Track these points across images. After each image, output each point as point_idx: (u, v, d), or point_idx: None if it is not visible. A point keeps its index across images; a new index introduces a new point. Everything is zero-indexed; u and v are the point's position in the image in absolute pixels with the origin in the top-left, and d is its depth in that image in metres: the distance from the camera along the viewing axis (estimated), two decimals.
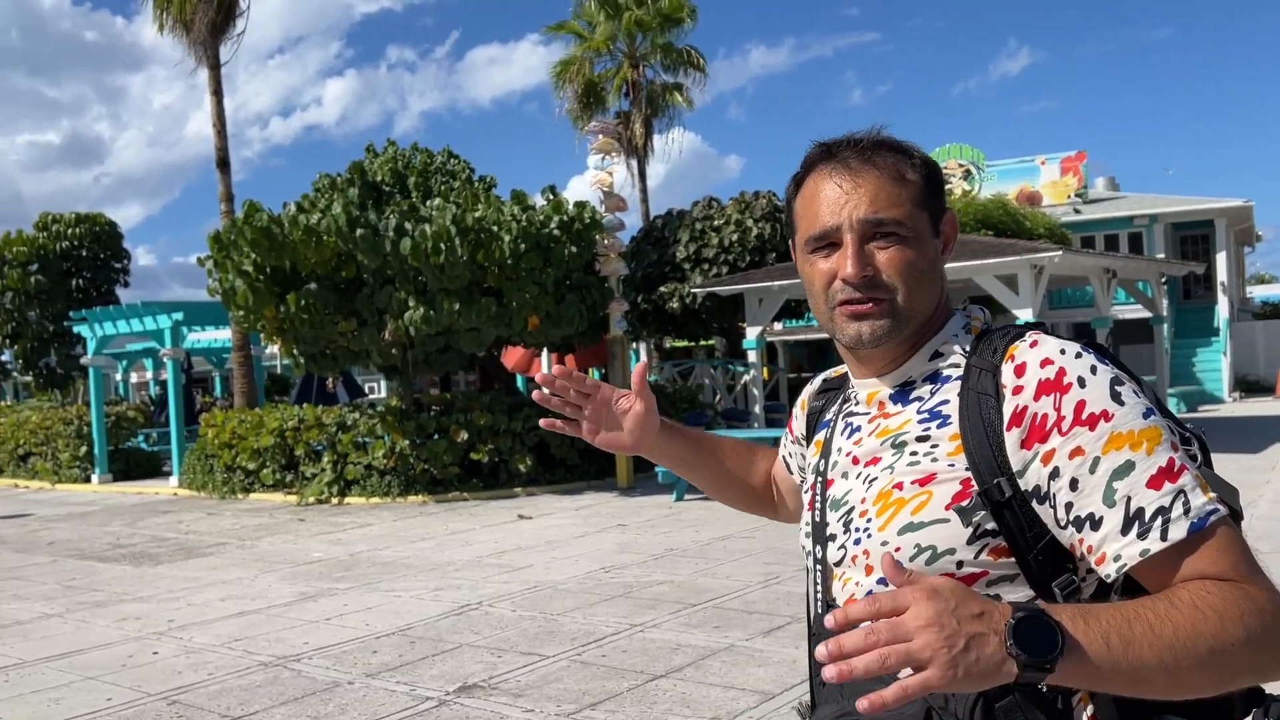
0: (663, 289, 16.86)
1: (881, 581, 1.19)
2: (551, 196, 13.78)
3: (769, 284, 15.45)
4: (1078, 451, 1.09)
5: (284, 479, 14.61)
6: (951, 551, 1.15)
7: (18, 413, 20.01)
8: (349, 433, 13.74)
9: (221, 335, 21.87)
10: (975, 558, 1.14)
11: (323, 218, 12.02)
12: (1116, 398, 1.11)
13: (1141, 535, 1.06)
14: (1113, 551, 1.07)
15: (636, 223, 23.21)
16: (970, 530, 1.14)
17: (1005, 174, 29.93)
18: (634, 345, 17.45)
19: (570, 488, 13.82)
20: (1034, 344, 1.17)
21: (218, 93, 17.33)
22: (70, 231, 23.87)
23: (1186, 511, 1.06)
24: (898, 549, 1.17)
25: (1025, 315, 13.89)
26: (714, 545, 9.14)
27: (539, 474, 13.80)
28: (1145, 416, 1.10)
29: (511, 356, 18.01)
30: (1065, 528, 1.11)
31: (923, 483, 1.17)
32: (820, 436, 1.43)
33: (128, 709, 5.20)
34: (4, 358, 34.81)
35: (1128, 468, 1.08)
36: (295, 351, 13.60)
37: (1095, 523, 1.08)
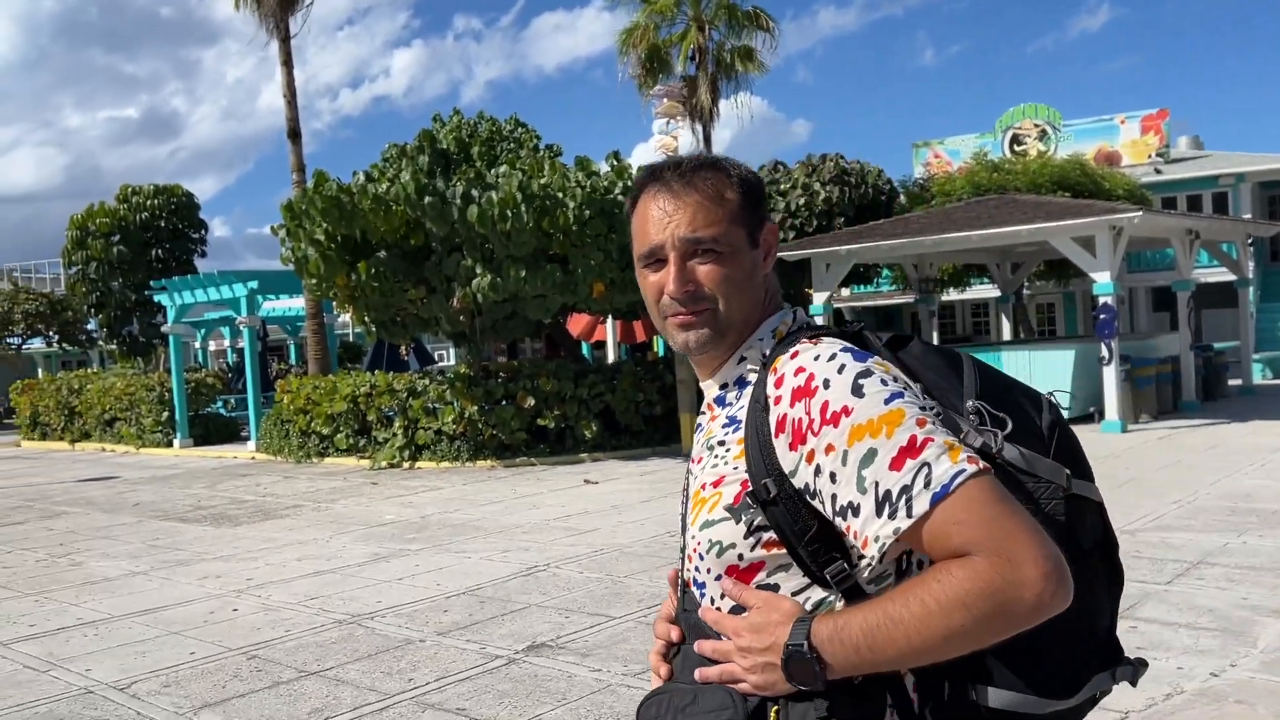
0: None
1: (698, 569, 1.35)
2: (615, 163, 13.74)
3: (837, 248, 15.25)
4: (830, 448, 1.19)
5: (357, 444, 14.92)
6: (733, 546, 1.28)
7: (103, 379, 20.70)
8: (419, 399, 13.95)
9: (295, 304, 22.35)
10: (751, 550, 1.27)
11: (391, 186, 12.15)
12: (858, 391, 1.19)
13: (891, 515, 1.14)
14: (871, 534, 1.16)
15: None
16: (744, 527, 1.26)
17: (1083, 134, 29.06)
18: None
19: (635, 454, 13.88)
20: (794, 354, 1.27)
21: (288, 64, 17.57)
22: (149, 203, 24.51)
23: (928, 484, 1.13)
24: (699, 543, 1.32)
25: (1103, 279, 13.52)
26: None
27: (604, 440, 13.87)
28: (887, 402, 1.18)
29: (577, 324, 18.08)
30: (835, 518, 1.20)
31: (716, 484, 1.30)
32: None
33: (209, 662, 5.37)
34: (90, 326, 36.00)
35: (871, 455, 1.16)
36: (366, 319, 13.82)
37: (855, 510, 1.17)
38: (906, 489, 1.14)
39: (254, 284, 17.39)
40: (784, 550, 1.25)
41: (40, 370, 36.68)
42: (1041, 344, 17.45)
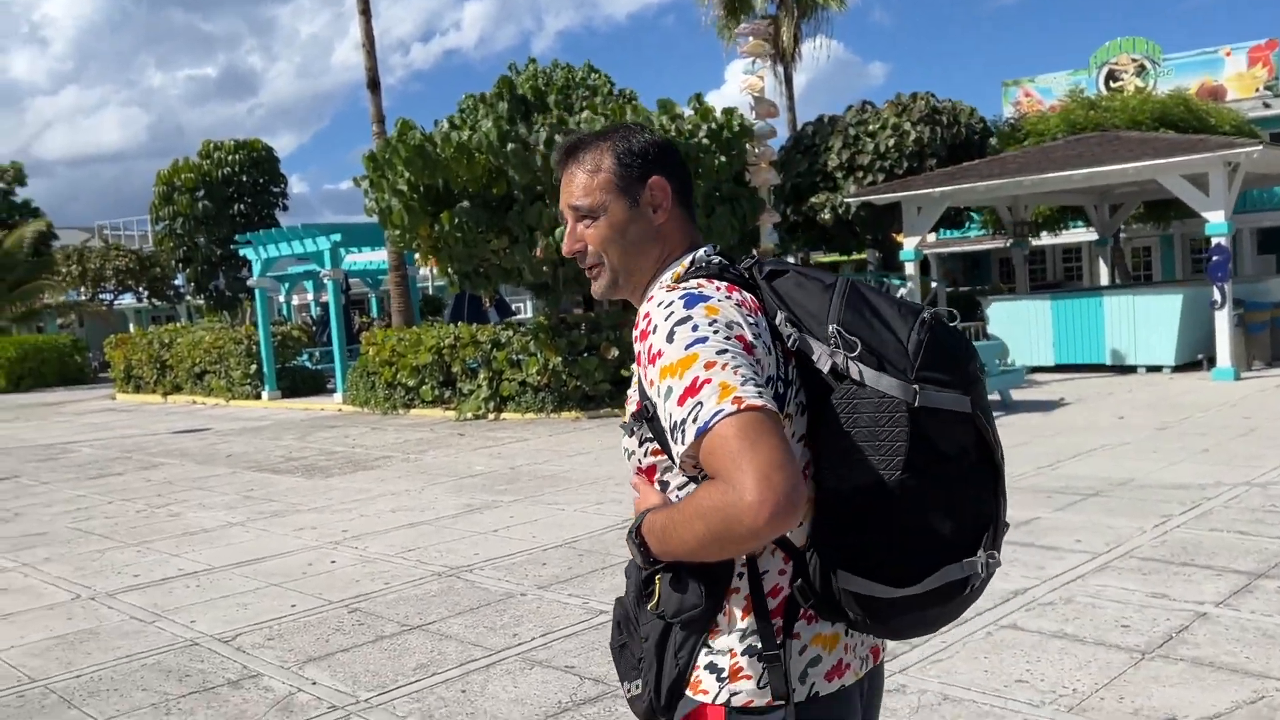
0: (814, 199, 16.26)
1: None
2: (698, 105, 13.33)
3: (929, 190, 14.68)
4: (652, 382, 1.43)
5: (442, 395, 14.93)
6: (633, 453, 1.55)
7: (192, 333, 21.10)
8: (503, 350, 13.86)
9: (376, 257, 22.46)
10: (645, 457, 1.53)
11: (474, 134, 11.96)
12: (669, 338, 1.39)
13: (679, 442, 1.37)
14: (674, 454, 1.41)
15: (783, 133, 22.45)
16: (637, 439, 1.53)
17: (1184, 68, 27.59)
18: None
19: None
20: (650, 298, 1.48)
21: (365, 12, 17.41)
22: (231, 158, 24.78)
23: (695, 419, 1.33)
24: (624, 449, 1.58)
25: (1217, 219, 12.78)
26: None
27: None
28: (687, 348, 1.37)
29: None
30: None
31: (627, 403, 1.57)
32: None
33: (311, 615, 5.31)
34: (177, 282, 36.85)
35: (669, 392, 1.39)
36: (450, 270, 13.73)
37: (670, 432, 1.40)
38: (683, 422, 1.35)
39: (337, 237, 17.44)
40: (664, 456, 1.49)
41: (131, 325, 37.75)
42: (1145, 289, 16.68)
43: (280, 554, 6.78)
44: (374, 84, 17.14)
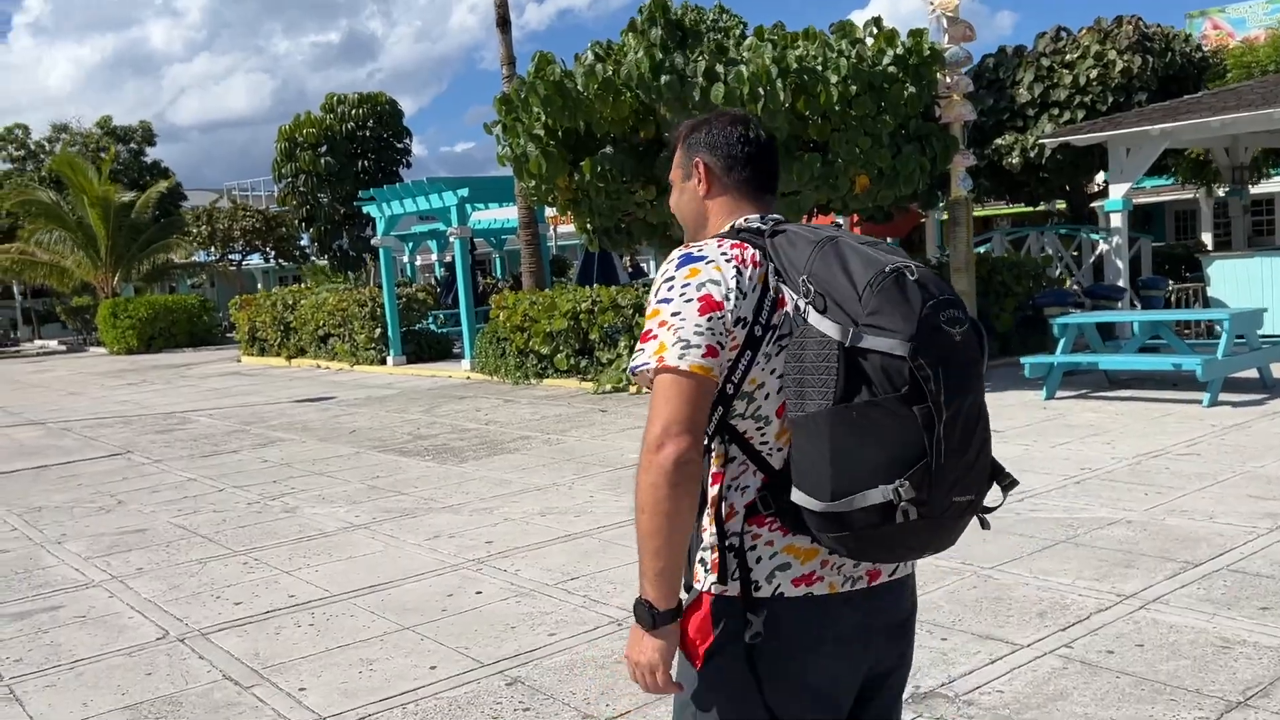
0: (999, 141, 14.15)
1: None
2: (877, 29, 11.43)
3: (1144, 128, 12.46)
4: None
5: (578, 364, 13.54)
6: None
7: (316, 295, 20.28)
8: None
9: (501, 215, 21.21)
10: None
11: (622, 65, 10.38)
12: (656, 292, 1.72)
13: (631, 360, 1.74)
14: None
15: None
16: None
17: None
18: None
19: None
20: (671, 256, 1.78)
21: None
22: (354, 112, 23.81)
23: (633, 360, 1.70)
24: None
25: None
26: (1145, 464, 6.95)
27: None
28: (660, 303, 1.69)
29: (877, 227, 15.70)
30: None
31: None
32: None
33: (458, 688, 3.90)
34: (302, 242, 36.55)
35: (642, 327, 1.75)
36: (589, 226, 12.26)
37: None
38: (635, 353, 1.70)
39: (464, 192, 16.18)
40: None
41: (260, 285, 37.76)
42: None
43: (413, 576, 5.43)
44: (504, 22, 15.72)
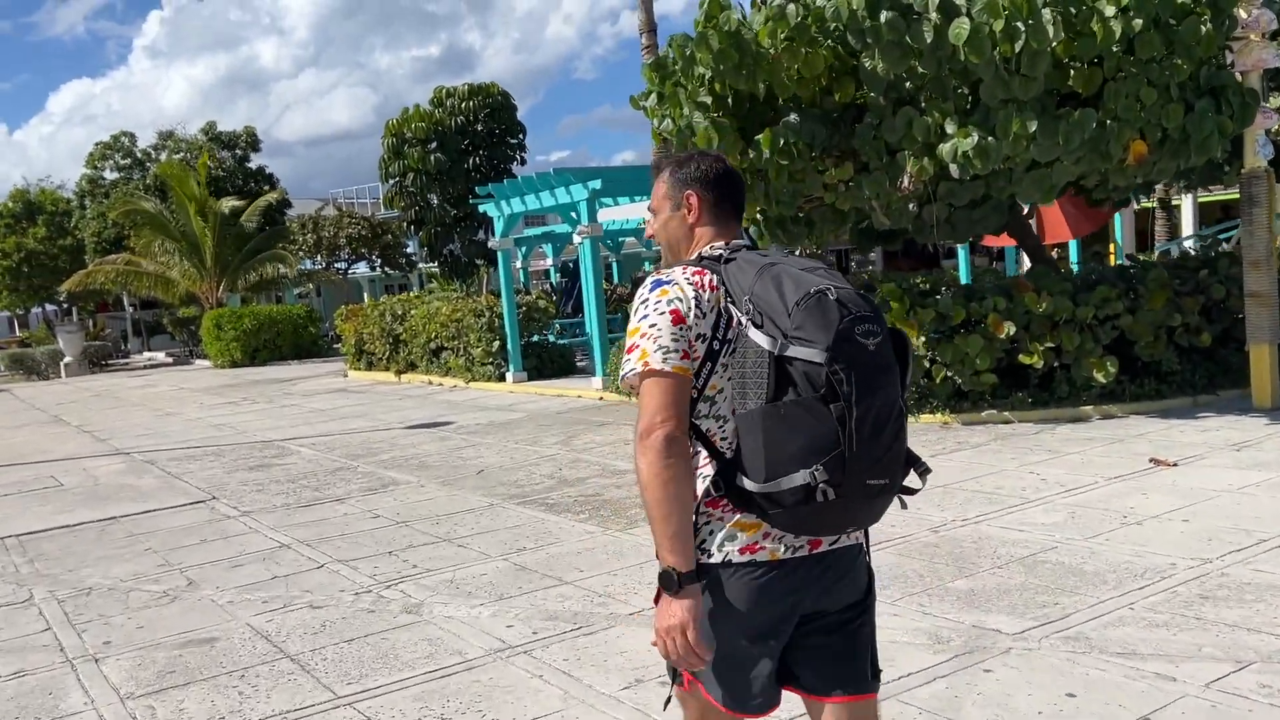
0: None
1: None
2: None
3: None
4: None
5: None
6: None
7: (427, 304, 18.46)
8: None
9: (621, 214, 19.10)
10: None
11: (819, 4, 8.08)
12: (636, 313, 2.07)
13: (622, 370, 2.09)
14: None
15: None
16: None
17: None
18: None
19: (1166, 405, 9.26)
20: (644, 280, 2.25)
21: None
22: (464, 105, 21.97)
23: (623, 368, 2.05)
24: None
25: None
26: None
27: (1119, 384, 9.34)
28: (638, 320, 2.05)
29: (1078, 214, 13.00)
30: None
31: None
32: None
33: None
34: (409, 249, 35.18)
35: (624, 344, 2.10)
36: (760, 213, 9.98)
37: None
38: (623, 364, 2.06)
39: (596, 184, 14.05)
40: None
41: (365, 295, 36.53)
42: None
43: None
44: None
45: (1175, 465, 7.05)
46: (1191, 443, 7.78)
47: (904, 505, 2.12)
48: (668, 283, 2.05)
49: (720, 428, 2.03)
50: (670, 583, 1.98)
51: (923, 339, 9.36)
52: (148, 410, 17.21)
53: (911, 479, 2.05)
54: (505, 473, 8.81)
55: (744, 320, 1.97)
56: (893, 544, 5.66)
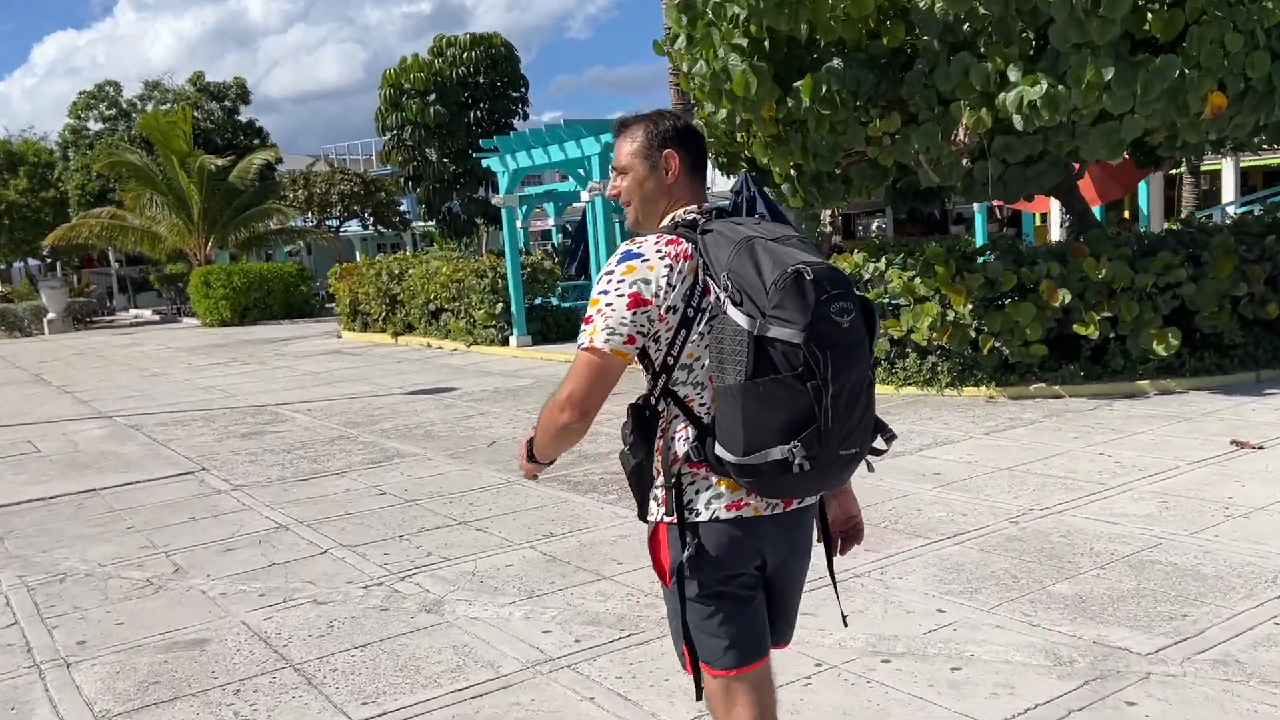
0: None
1: None
2: None
3: None
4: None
5: None
6: None
7: (426, 263, 17.71)
8: (870, 292, 9.32)
9: None
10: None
11: None
12: (599, 283, 2.08)
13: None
14: None
15: None
16: None
17: None
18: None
19: (1228, 381, 8.64)
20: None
21: None
22: (465, 56, 21.03)
23: (578, 339, 2.08)
24: None
25: None
26: None
27: (1176, 357, 8.70)
28: (599, 294, 2.06)
29: (1107, 178, 12.31)
30: None
31: None
32: None
33: None
34: (403, 206, 34.25)
35: (585, 310, 2.10)
36: (795, 168, 9.27)
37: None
38: (580, 334, 2.08)
39: (607, 137, 13.28)
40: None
41: (358, 254, 35.64)
42: None
43: None
44: None
45: (1260, 448, 6.43)
46: (1270, 422, 7.16)
47: (870, 468, 2.24)
48: (637, 256, 2.07)
49: (699, 394, 2.09)
50: (528, 454, 2.26)
51: (969, 306, 8.69)
52: (133, 370, 16.47)
53: (877, 442, 2.12)
54: (518, 445, 8.15)
55: (722, 295, 1.99)
56: (970, 536, 5.03)
